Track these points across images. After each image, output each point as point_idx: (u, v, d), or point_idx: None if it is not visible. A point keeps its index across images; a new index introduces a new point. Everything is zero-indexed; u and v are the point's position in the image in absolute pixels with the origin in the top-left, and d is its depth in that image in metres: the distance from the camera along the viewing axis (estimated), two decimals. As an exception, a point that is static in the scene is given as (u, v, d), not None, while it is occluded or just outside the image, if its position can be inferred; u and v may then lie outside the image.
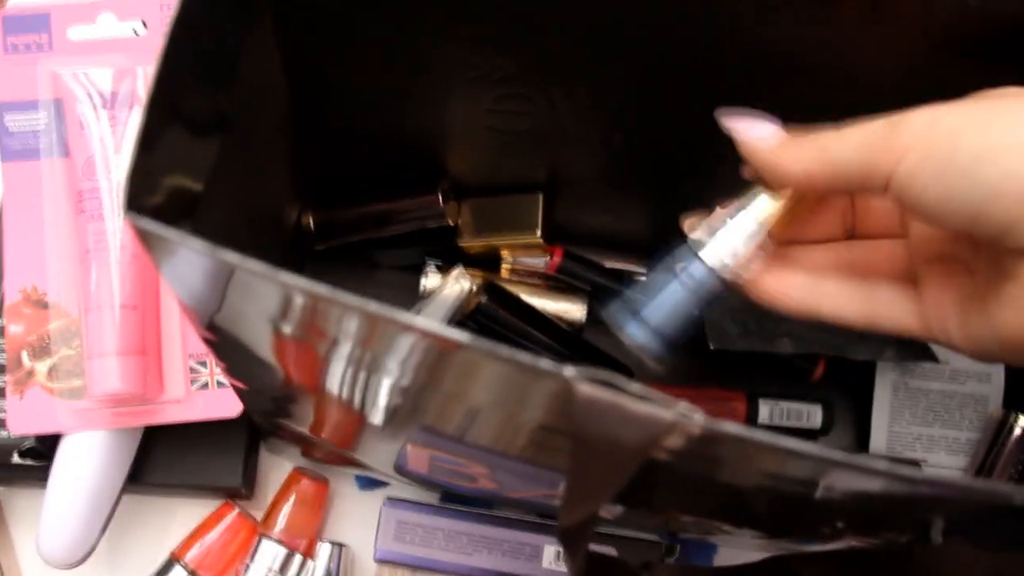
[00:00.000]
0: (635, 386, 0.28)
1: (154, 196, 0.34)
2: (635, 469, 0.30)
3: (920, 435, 0.63)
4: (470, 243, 0.64)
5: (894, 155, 0.34)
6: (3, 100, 0.58)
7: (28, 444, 0.57)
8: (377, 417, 0.42)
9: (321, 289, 0.28)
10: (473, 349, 0.28)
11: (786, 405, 0.64)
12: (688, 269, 0.40)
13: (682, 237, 0.41)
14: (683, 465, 0.34)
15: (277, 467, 0.65)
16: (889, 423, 0.63)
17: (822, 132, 0.36)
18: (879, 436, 0.64)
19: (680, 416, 0.28)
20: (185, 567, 0.59)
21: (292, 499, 0.62)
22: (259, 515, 0.62)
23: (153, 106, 0.32)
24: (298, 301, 0.31)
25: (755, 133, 0.38)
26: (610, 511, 0.47)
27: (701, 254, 0.40)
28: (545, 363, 0.27)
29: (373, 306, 0.28)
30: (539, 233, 0.61)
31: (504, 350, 0.27)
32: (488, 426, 0.37)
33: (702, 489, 0.38)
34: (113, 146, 0.56)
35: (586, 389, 0.28)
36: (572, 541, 0.37)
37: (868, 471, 0.29)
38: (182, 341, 0.56)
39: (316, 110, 0.56)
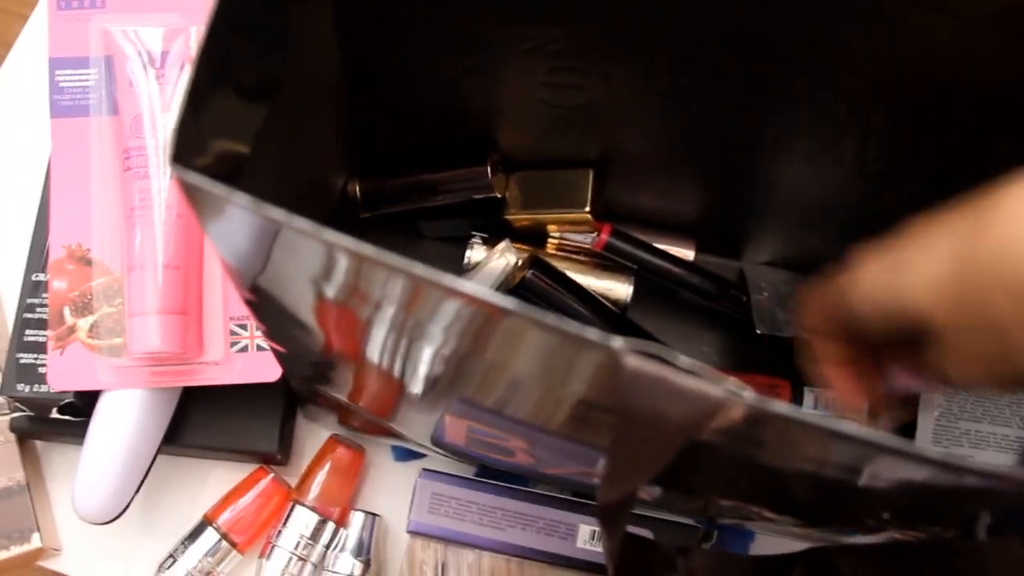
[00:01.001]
0: (684, 360, 0.27)
1: (200, 156, 0.34)
2: (679, 447, 0.30)
3: (968, 430, 0.62)
4: (517, 216, 0.63)
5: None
6: (54, 56, 0.58)
7: (67, 400, 0.57)
8: (417, 386, 0.42)
9: (367, 249, 0.28)
10: (519, 316, 0.27)
11: (831, 394, 0.62)
12: None
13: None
14: (727, 446, 0.33)
15: (314, 434, 0.64)
16: (936, 416, 0.62)
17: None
18: (925, 430, 0.62)
19: (729, 393, 0.27)
20: (218, 529, 0.59)
21: (327, 467, 0.61)
22: (293, 481, 0.62)
23: (201, 66, 0.32)
24: (343, 262, 0.30)
25: None
26: (649, 492, 0.46)
27: None
28: (592, 333, 0.27)
29: (419, 269, 0.27)
30: (588, 209, 0.60)
31: (551, 318, 0.27)
32: (530, 398, 0.36)
33: (745, 472, 0.38)
34: (161, 105, 0.56)
35: (633, 361, 0.27)
36: (611, 519, 0.36)
37: (916, 458, 0.28)
38: (223, 303, 0.56)
39: (368, 79, 0.55)
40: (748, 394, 0.28)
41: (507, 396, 0.37)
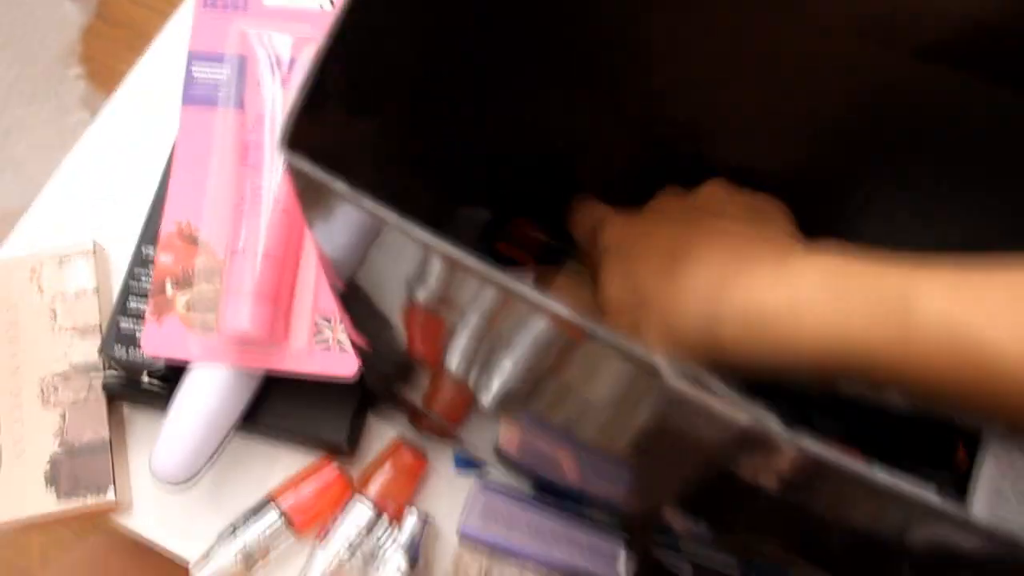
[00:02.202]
0: (721, 387, 0.29)
1: (311, 149, 0.37)
2: (702, 468, 0.31)
3: None
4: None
5: None
6: (194, 49, 0.63)
7: (157, 367, 0.61)
8: (489, 397, 0.44)
9: (462, 256, 0.30)
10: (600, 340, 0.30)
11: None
12: None
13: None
14: (765, 486, 0.35)
15: (382, 432, 0.67)
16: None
17: None
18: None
19: (756, 421, 0.29)
20: (279, 510, 0.62)
21: (389, 466, 0.64)
22: (357, 474, 0.65)
23: (315, 72, 0.35)
24: (437, 266, 0.33)
25: None
26: (688, 525, 0.48)
27: None
28: (652, 356, 0.29)
29: (511, 282, 0.30)
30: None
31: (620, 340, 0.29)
32: (593, 417, 0.38)
33: (779, 514, 0.39)
34: (283, 107, 0.60)
35: (675, 380, 0.29)
36: (634, 537, 0.38)
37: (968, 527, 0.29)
38: (314, 298, 0.59)
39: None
40: (775, 425, 0.29)
41: (574, 414, 0.39)
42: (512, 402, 0.43)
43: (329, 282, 0.46)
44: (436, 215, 0.66)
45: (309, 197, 0.35)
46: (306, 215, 0.37)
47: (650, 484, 0.36)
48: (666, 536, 0.53)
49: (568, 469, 0.49)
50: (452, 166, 0.64)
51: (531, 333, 0.34)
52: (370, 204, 0.31)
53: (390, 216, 0.31)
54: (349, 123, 0.42)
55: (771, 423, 0.29)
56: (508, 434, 0.50)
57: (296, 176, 0.33)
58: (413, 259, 0.34)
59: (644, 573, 0.48)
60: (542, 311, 0.31)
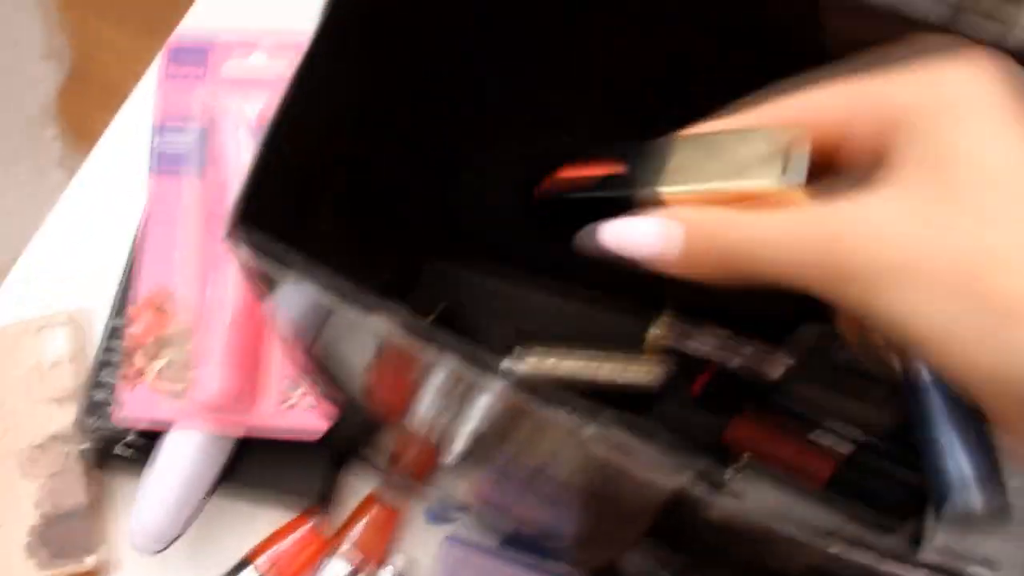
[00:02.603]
0: (661, 437, 0.31)
1: (263, 229, 0.38)
2: (649, 521, 0.33)
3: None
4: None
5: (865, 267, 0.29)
6: (159, 121, 0.64)
7: (131, 438, 0.62)
8: (451, 456, 0.45)
9: (402, 337, 0.32)
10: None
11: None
12: None
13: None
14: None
15: (357, 488, 0.68)
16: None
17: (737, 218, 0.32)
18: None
19: (687, 483, 0.30)
20: (256, 569, 0.63)
21: (364, 521, 0.65)
22: (333, 531, 0.66)
23: (264, 148, 0.36)
24: (385, 343, 0.34)
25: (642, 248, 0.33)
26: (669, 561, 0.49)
27: None
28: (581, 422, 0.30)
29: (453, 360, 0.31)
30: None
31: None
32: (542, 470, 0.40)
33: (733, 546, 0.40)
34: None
35: (605, 446, 0.31)
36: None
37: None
38: (280, 362, 0.61)
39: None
40: (702, 489, 0.31)
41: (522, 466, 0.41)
42: (469, 459, 0.45)
43: (288, 351, 0.47)
44: (404, 269, 0.68)
45: (257, 282, 0.36)
46: (259, 295, 0.39)
47: (601, 530, 0.37)
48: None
49: (528, 517, 0.51)
50: (414, 220, 0.66)
51: (478, 398, 0.35)
52: (314, 288, 0.33)
53: (331, 300, 0.32)
54: (300, 201, 0.44)
55: (699, 488, 0.31)
56: (470, 487, 0.51)
57: (244, 265, 0.35)
58: (362, 333, 0.35)
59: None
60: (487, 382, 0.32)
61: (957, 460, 0.43)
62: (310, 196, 0.45)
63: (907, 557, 0.30)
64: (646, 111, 0.49)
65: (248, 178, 0.35)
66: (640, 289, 0.67)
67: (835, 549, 0.30)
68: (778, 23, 0.42)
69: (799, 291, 0.30)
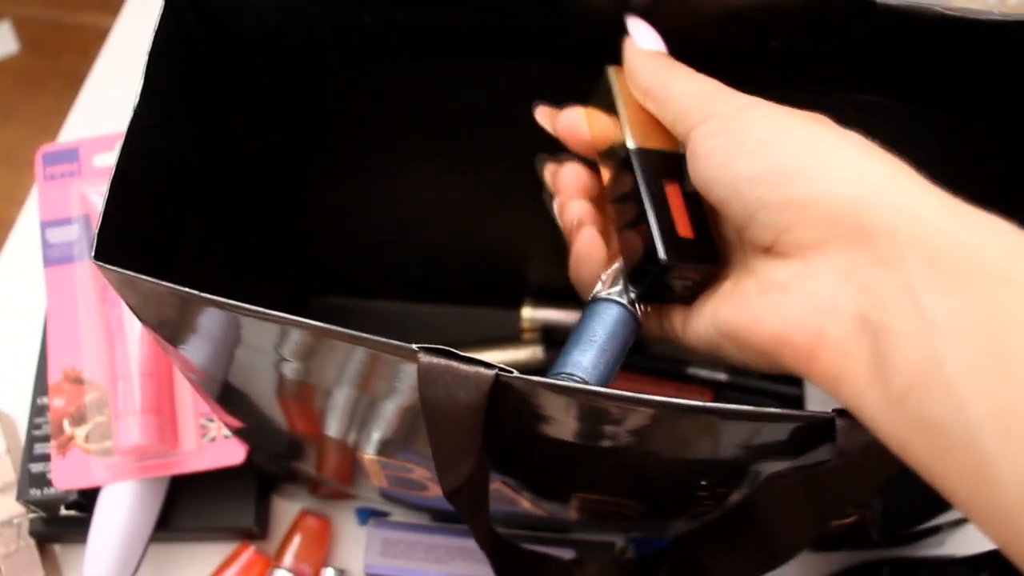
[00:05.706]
0: (466, 354, 0.38)
1: (128, 256, 0.44)
2: (480, 427, 0.40)
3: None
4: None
5: (706, 115, 0.40)
6: (45, 219, 0.71)
7: (72, 498, 0.68)
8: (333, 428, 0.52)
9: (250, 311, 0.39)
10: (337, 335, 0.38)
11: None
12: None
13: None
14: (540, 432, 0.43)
15: (288, 508, 0.75)
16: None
17: (686, 70, 0.43)
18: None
19: (499, 371, 0.38)
20: (207, 600, 0.69)
21: (299, 536, 0.72)
22: (272, 551, 0.72)
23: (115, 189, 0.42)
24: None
25: (646, 41, 0.45)
26: (528, 502, 0.56)
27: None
28: (397, 342, 0.38)
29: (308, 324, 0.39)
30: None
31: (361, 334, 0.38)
32: (382, 416, 0.46)
33: (578, 459, 0.47)
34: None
35: (426, 358, 0.38)
36: (463, 510, 0.46)
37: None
38: (193, 401, 0.67)
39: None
40: (516, 374, 0.38)
41: (370, 416, 0.47)
42: (357, 434, 0.52)
43: (195, 387, 0.54)
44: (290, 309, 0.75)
45: (155, 331, 0.43)
46: (158, 343, 0.45)
47: (442, 455, 0.43)
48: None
49: (429, 484, 0.57)
50: (285, 261, 0.73)
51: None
52: (164, 288, 0.39)
53: (194, 296, 0.39)
54: (159, 243, 0.50)
55: (513, 372, 0.37)
56: (375, 472, 0.58)
57: (111, 281, 0.41)
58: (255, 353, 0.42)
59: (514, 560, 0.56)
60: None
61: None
62: (169, 240, 0.51)
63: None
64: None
65: (103, 214, 0.42)
66: (504, 284, 0.75)
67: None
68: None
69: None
